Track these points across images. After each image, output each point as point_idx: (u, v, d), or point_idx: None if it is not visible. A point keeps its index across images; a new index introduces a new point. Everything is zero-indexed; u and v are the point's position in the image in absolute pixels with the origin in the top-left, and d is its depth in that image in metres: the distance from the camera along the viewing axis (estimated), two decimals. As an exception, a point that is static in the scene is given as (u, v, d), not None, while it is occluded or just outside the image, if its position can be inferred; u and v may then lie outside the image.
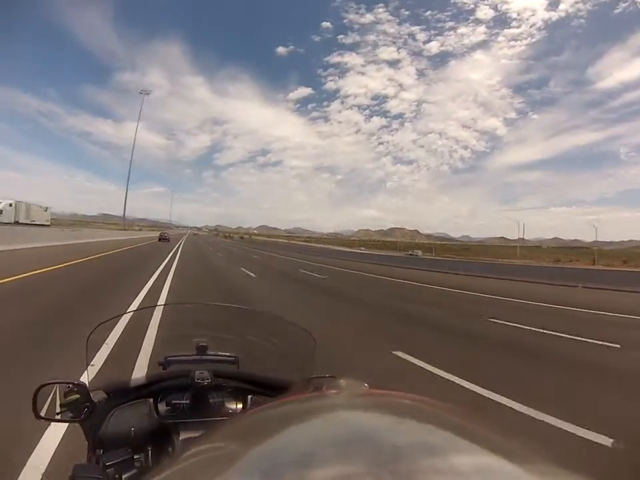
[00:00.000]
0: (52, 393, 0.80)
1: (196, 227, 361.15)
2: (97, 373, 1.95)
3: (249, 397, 0.86)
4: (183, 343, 1.07)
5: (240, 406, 0.85)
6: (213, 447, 0.46)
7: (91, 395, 0.81)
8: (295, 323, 1.04)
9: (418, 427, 0.47)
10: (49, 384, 0.81)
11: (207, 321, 1.27)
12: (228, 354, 0.96)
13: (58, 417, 0.80)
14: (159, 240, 40.60)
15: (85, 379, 0.87)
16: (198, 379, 0.83)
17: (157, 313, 3.84)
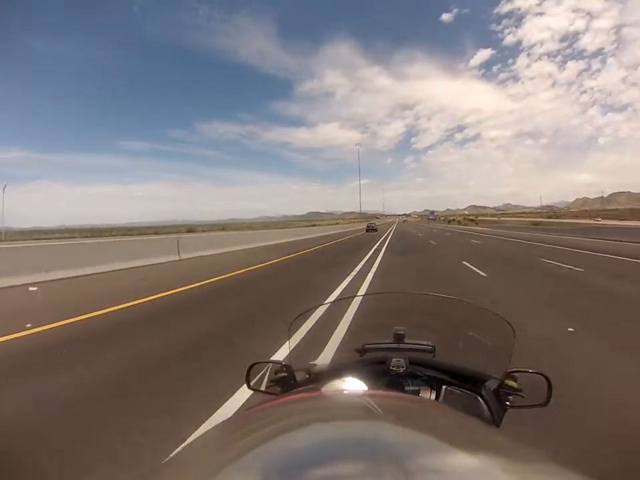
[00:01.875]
0: (264, 370, 0.95)
1: (404, 214, 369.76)
2: (299, 353, 2.09)
3: (444, 387, 0.85)
4: (380, 330, 1.08)
5: (434, 396, 0.84)
6: (213, 447, 0.48)
7: (296, 374, 0.89)
8: (495, 312, 1.00)
9: (417, 427, 0.46)
10: (261, 362, 0.96)
11: (405, 309, 1.31)
12: (425, 342, 0.96)
13: (266, 389, 0.92)
14: (367, 231, 40.47)
15: (289, 360, 0.97)
16: (394, 367, 0.85)
17: (354, 303, 3.99)
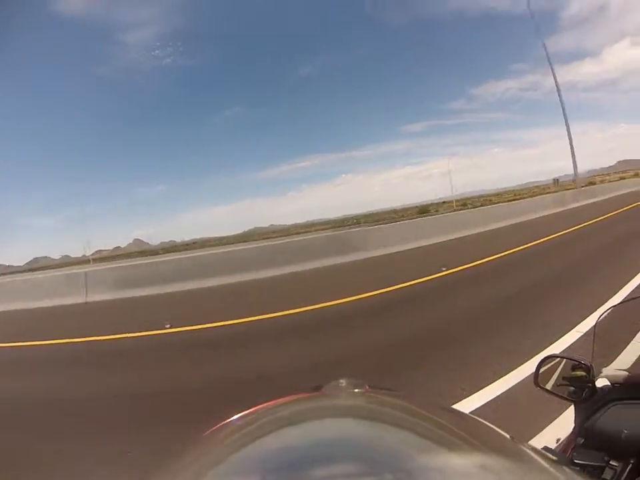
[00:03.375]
0: (558, 365, 0.85)
1: None
2: (606, 358, 1.73)
3: None
4: None
5: None
6: (212, 447, 0.49)
7: (596, 379, 0.79)
8: None
9: (417, 426, 0.46)
10: (555, 356, 0.86)
11: None
12: None
13: (555, 389, 0.83)
14: None
15: (591, 360, 0.84)
16: None
17: None
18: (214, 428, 0.57)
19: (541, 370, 0.83)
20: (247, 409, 0.59)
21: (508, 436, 0.45)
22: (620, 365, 0.90)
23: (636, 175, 49.74)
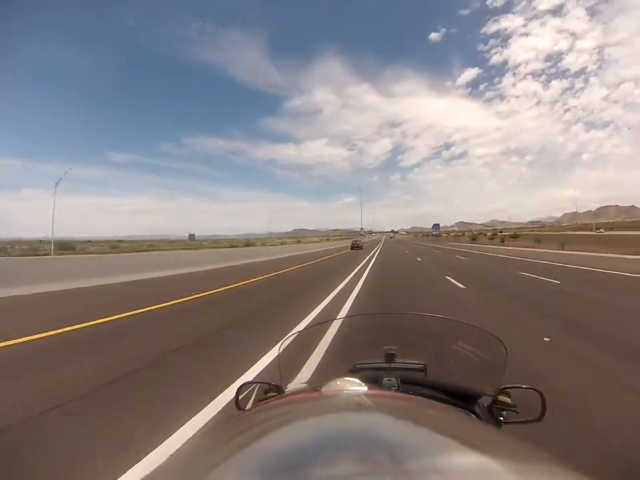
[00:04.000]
0: (253, 390, 0.94)
1: (392, 230, 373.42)
2: (289, 373, 1.98)
3: None
4: (371, 350, 1.07)
5: None
6: (211, 448, 0.48)
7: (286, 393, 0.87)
8: (485, 329, 1.01)
9: (416, 427, 0.47)
10: (250, 383, 0.95)
11: (395, 329, 1.29)
12: (416, 361, 0.96)
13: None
14: (352, 248, 39.35)
15: (279, 381, 0.95)
16: (386, 386, 0.84)
17: (336, 323, 3.61)
18: (213, 428, 0.55)
19: (240, 396, 0.91)
20: (247, 410, 0.57)
21: (508, 436, 0.46)
22: (302, 380, 1.13)
23: (298, 242, 57.09)
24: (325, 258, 23.34)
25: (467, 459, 0.38)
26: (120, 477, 1.76)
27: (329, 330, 3.80)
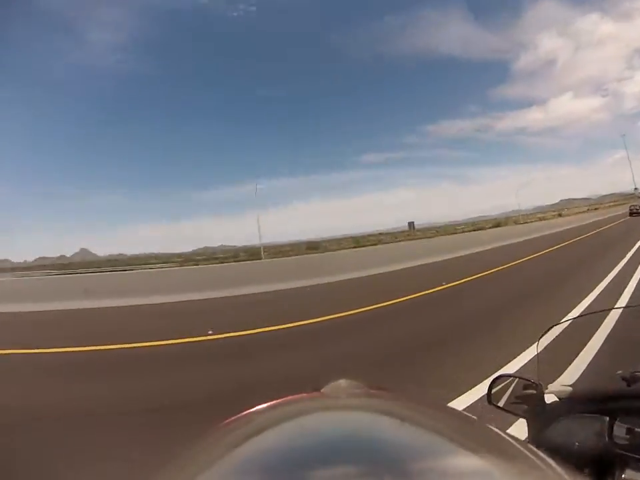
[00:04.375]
0: (509, 384, 0.88)
1: None
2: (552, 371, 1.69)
3: None
4: None
5: None
6: (212, 448, 0.47)
7: (545, 395, 0.82)
8: None
9: (417, 428, 0.46)
10: (506, 376, 0.89)
11: None
12: None
13: (507, 407, 0.86)
14: (630, 214, 33.96)
15: (537, 378, 0.87)
16: None
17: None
18: (213, 428, 0.54)
19: (493, 390, 0.88)
20: (247, 410, 0.57)
21: (508, 437, 0.46)
22: (565, 381, 0.94)
23: (559, 215, 52.93)
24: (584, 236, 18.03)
25: (468, 461, 0.38)
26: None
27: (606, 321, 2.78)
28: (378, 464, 0.35)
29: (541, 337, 1.05)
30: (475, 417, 0.55)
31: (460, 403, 2.62)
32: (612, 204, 74.44)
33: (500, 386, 0.89)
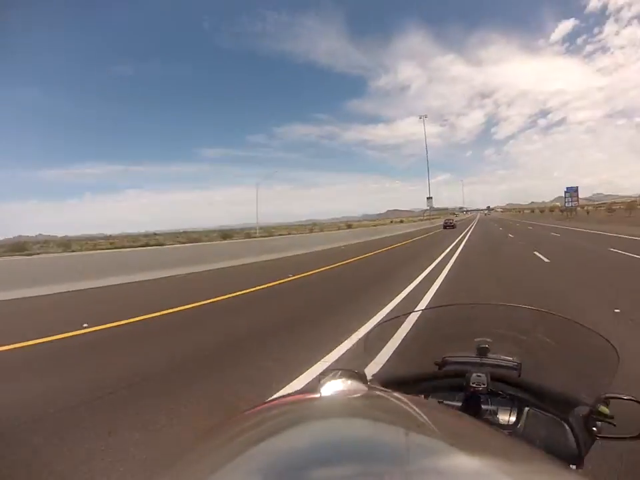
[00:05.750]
0: (335, 377, 0.99)
1: (488, 207, 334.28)
2: (375, 365, 1.91)
3: (526, 409, 0.77)
4: (461, 342, 1.00)
5: (514, 418, 0.77)
6: (211, 449, 0.49)
7: (369, 383, 0.90)
8: (594, 330, 0.91)
9: (417, 428, 0.47)
10: (333, 369, 0.99)
11: (489, 321, 1.20)
12: (510, 359, 0.87)
13: None
14: (444, 227, 39.42)
15: (365, 369, 0.97)
16: (473, 383, 0.78)
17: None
18: (213, 429, 0.57)
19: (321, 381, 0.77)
20: (246, 410, 0.60)
21: (508, 437, 0.44)
22: (388, 370, 1.07)
23: (375, 225, 50.53)
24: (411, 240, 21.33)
25: (468, 461, 0.37)
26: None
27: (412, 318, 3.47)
28: (378, 465, 0.35)
29: (368, 333, 1.13)
30: (475, 418, 0.56)
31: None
32: (429, 217, 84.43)
33: (327, 378, 0.77)
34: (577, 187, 63.44)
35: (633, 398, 0.69)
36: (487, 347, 0.88)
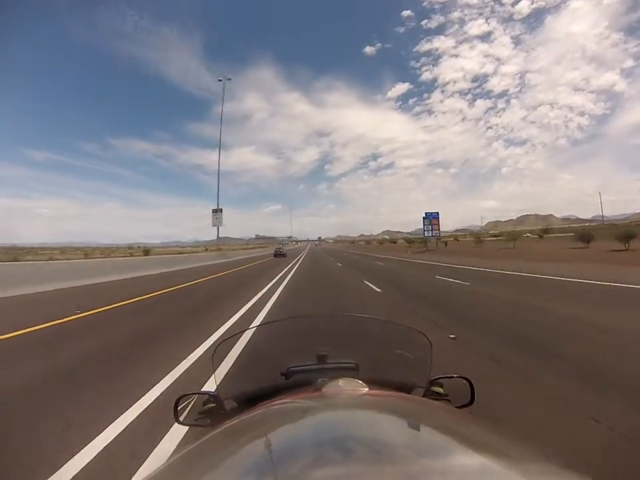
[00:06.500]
0: (190, 402, 0.94)
1: (319, 238, 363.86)
2: (226, 382, 1.89)
3: None
4: (302, 353, 1.08)
5: None
6: (211, 447, 0.49)
7: (224, 403, 0.89)
8: (409, 325, 1.07)
9: (417, 428, 0.47)
10: (189, 394, 0.95)
11: (324, 331, 1.31)
12: (347, 361, 0.96)
13: (195, 422, 0.92)
14: (275, 256, 37.89)
15: (214, 389, 0.96)
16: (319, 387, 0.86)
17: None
18: (213, 429, 0.57)
19: (179, 407, 0.92)
20: (247, 411, 0.60)
21: (509, 436, 0.46)
22: (235, 384, 1.14)
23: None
24: (239, 268, 19.36)
25: (469, 459, 0.38)
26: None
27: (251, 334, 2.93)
28: (378, 464, 0.36)
29: (213, 354, 1.16)
30: (475, 418, 0.57)
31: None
32: (259, 245, 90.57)
33: (184, 404, 0.93)
34: (437, 212, 45.40)
35: (455, 375, 0.87)
36: (325, 354, 0.96)
